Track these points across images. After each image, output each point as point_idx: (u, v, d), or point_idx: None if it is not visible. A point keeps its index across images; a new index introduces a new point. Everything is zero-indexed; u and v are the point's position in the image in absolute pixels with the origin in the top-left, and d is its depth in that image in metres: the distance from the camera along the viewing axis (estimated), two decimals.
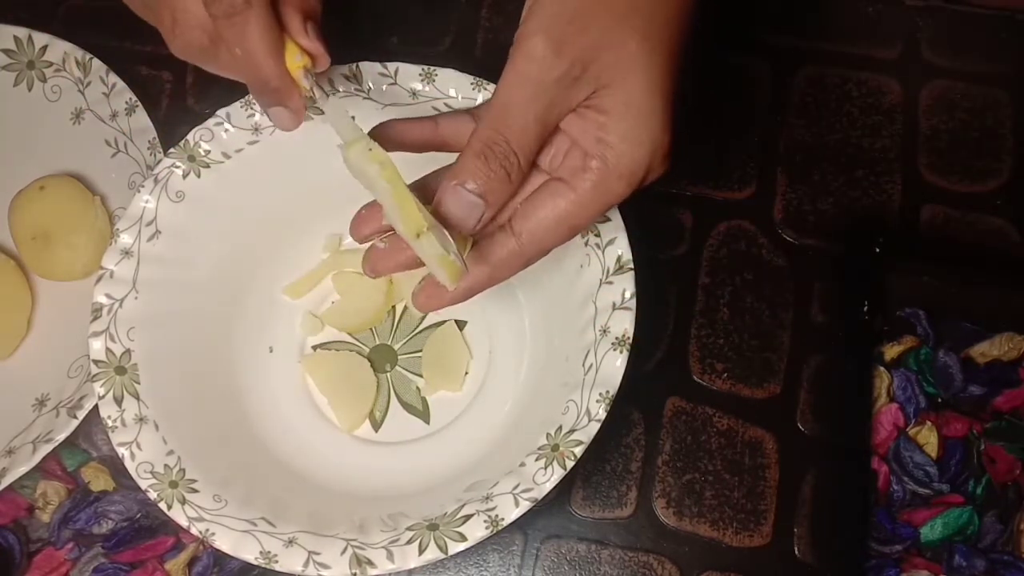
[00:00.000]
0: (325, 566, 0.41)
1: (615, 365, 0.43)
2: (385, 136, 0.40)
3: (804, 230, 0.56)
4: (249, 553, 0.42)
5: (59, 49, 0.58)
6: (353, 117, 0.38)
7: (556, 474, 0.41)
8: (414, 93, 0.49)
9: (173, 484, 0.43)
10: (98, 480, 0.52)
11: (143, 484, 0.43)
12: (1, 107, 0.59)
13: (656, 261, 0.55)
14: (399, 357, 0.54)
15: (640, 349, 0.45)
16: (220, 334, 0.51)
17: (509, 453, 0.44)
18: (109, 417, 0.44)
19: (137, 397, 0.45)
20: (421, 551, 0.41)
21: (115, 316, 0.46)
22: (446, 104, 0.49)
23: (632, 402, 0.52)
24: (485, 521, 0.41)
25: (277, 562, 0.41)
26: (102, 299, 0.46)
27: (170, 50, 0.41)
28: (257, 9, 0.38)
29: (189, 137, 0.49)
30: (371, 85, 0.49)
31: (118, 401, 0.45)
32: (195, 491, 0.43)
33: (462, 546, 0.41)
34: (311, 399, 0.53)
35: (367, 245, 0.41)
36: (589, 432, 0.42)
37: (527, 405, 0.50)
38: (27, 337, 0.57)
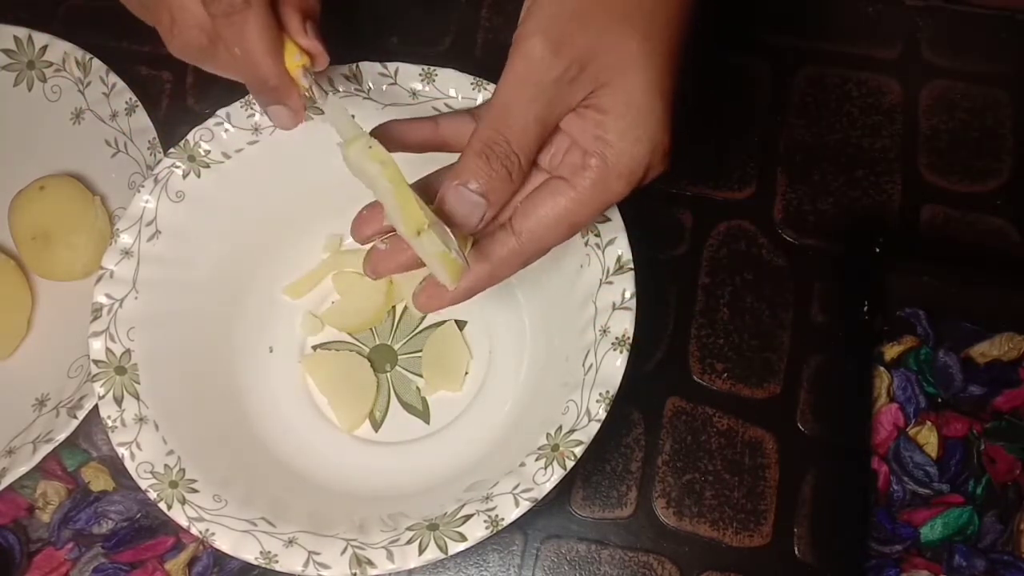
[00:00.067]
0: (325, 566, 0.41)
1: (615, 365, 0.43)
2: (385, 137, 0.40)
3: (804, 230, 0.56)
4: (249, 553, 0.42)
5: (59, 49, 0.58)
6: (353, 116, 0.38)
7: (556, 474, 0.41)
8: (414, 93, 0.49)
9: (173, 484, 0.43)
10: (98, 480, 0.52)
11: (143, 484, 0.43)
12: (1, 107, 0.59)
13: (656, 261, 0.55)
14: (399, 357, 0.54)
15: (640, 349, 0.45)
16: (220, 334, 0.51)
17: (509, 453, 0.44)
18: (109, 417, 0.44)
19: (137, 397, 0.45)
20: (421, 551, 0.41)
21: (115, 316, 0.46)
22: (446, 104, 0.49)
23: (632, 402, 0.52)
24: (485, 521, 0.41)
25: (277, 562, 0.41)
26: (102, 299, 0.46)
27: (168, 50, 0.41)
28: (256, 8, 0.38)
29: (189, 137, 0.49)
30: (371, 85, 0.49)
31: (118, 401, 0.45)
32: (195, 491, 0.43)
33: (462, 546, 0.41)
34: (311, 399, 0.53)
35: (368, 245, 0.41)
36: (589, 432, 0.42)
37: (527, 405, 0.50)
38: (27, 337, 0.57)
